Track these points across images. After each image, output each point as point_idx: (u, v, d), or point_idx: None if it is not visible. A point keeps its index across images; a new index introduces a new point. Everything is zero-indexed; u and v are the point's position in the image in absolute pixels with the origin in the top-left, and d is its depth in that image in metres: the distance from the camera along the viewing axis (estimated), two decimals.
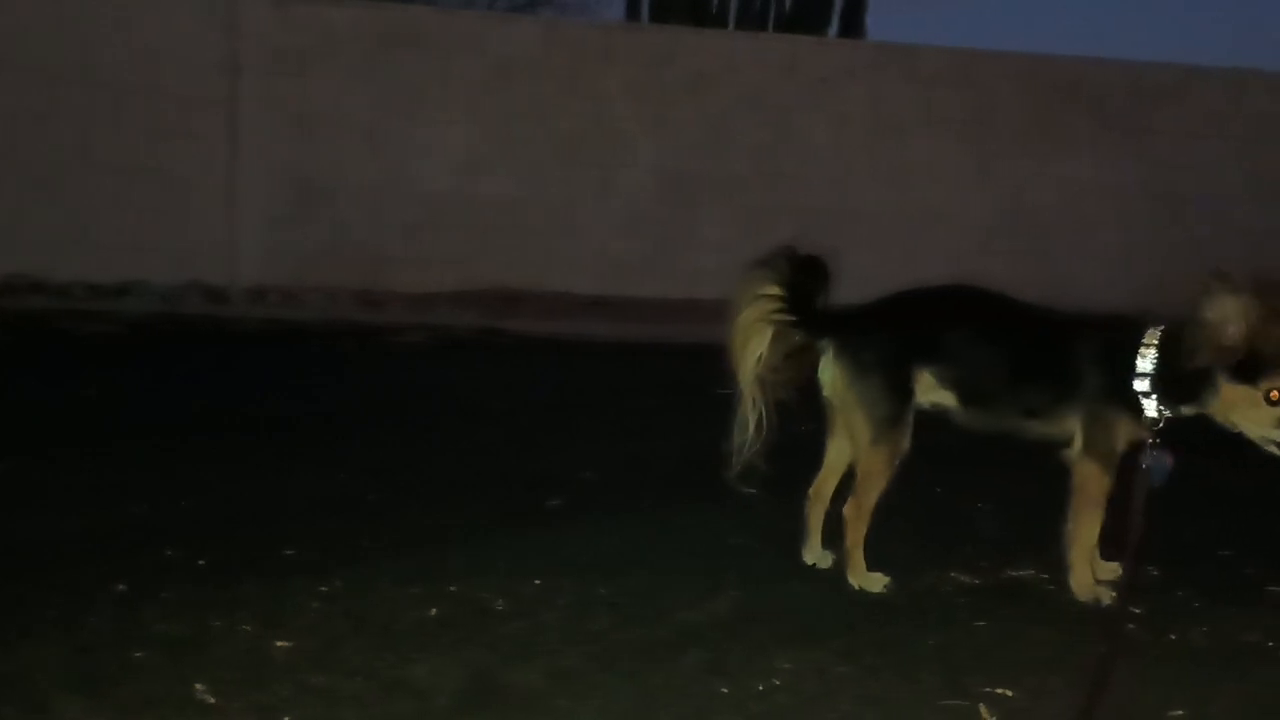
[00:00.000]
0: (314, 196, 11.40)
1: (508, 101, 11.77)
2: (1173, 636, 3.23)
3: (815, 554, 3.71)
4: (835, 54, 12.93)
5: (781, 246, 3.61)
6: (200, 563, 3.54)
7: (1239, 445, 3.45)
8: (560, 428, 5.88)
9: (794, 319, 3.51)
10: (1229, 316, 3.16)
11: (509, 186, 11.79)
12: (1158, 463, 3.30)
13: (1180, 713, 2.74)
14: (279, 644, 2.93)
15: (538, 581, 3.46)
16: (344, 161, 11.45)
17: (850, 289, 3.66)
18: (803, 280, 3.53)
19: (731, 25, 16.33)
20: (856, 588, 3.50)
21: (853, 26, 16.51)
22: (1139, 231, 12.55)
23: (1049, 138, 12.47)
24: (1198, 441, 3.42)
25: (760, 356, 3.53)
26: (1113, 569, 3.56)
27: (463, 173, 11.70)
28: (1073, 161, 12.47)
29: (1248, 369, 3.19)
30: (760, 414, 3.54)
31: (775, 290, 3.50)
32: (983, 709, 2.70)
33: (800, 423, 3.61)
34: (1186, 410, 3.38)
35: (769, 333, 3.53)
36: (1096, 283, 11.90)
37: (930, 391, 3.53)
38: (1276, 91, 12.84)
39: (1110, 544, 3.50)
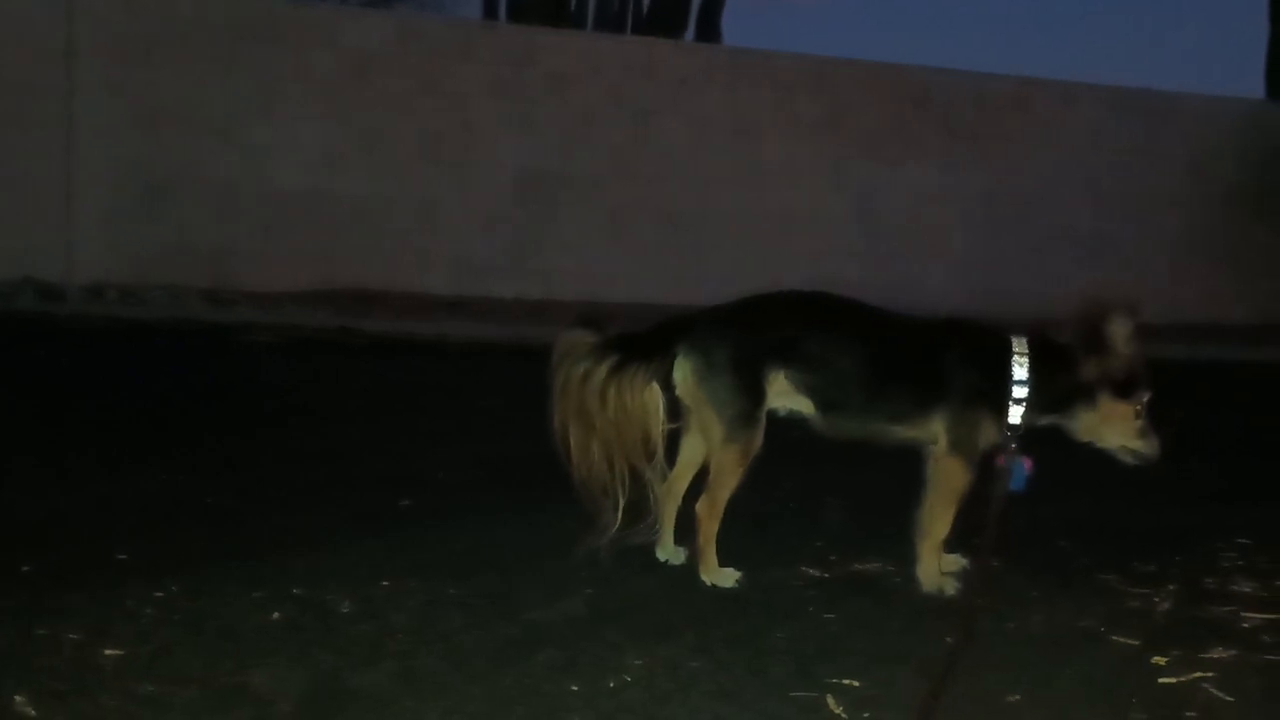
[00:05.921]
0: (159, 191, 10.99)
1: (364, 98, 11.56)
2: (1012, 624, 3.33)
3: (667, 550, 3.71)
4: (694, 57, 13.06)
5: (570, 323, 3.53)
6: (24, 569, 3.35)
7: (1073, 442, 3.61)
8: (413, 428, 5.77)
9: (652, 359, 3.45)
10: (1126, 339, 3.43)
11: (365, 184, 11.57)
12: (1017, 468, 3.42)
13: (1018, 697, 2.82)
14: (108, 652, 2.79)
15: (386, 583, 3.38)
16: (192, 156, 11.07)
17: (708, 289, 3.66)
18: (605, 326, 3.50)
19: (590, 25, 16.38)
20: (708, 583, 3.52)
21: (709, 30, 16.73)
22: (980, 235, 13.02)
23: (898, 144, 12.83)
24: (1033, 438, 3.56)
25: (663, 424, 3.49)
26: (955, 560, 3.66)
27: (317, 170, 11.43)
28: (919, 167, 12.86)
29: (1126, 386, 3.47)
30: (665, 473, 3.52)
31: (608, 352, 3.44)
32: (830, 699, 2.74)
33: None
34: (1046, 420, 3.54)
35: (657, 393, 3.47)
36: (940, 285, 12.32)
37: (785, 397, 3.52)
38: (1107, 103, 13.48)
39: (955, 539, 3.60)
